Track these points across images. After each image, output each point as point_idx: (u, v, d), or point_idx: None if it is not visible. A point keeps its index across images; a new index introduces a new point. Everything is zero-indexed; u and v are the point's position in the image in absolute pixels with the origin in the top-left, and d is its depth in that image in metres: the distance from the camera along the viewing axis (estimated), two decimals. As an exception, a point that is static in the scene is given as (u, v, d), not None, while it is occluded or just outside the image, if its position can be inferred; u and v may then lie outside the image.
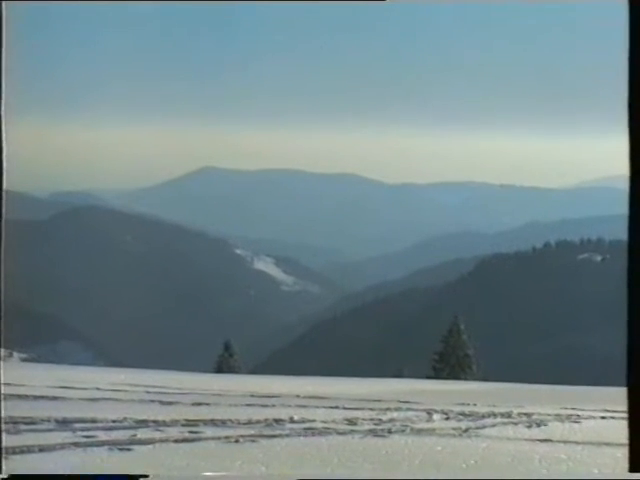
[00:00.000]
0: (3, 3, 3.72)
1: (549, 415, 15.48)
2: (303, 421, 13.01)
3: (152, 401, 16.31)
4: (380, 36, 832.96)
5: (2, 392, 14.73)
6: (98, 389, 18.96)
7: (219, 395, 18.88)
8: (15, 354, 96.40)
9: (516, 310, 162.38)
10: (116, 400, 16.34)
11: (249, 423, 12.54)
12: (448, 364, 51.22)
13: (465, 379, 47.64)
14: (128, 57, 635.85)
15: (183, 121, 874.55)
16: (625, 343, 5.24)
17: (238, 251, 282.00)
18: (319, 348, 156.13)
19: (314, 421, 13.05)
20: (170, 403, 15.99)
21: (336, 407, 16.08)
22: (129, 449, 9.78)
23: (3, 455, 8.79)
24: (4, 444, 9.17)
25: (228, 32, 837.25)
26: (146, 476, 6.82)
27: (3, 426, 10.86)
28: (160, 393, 18.68)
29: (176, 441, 10.53)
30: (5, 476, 4.96)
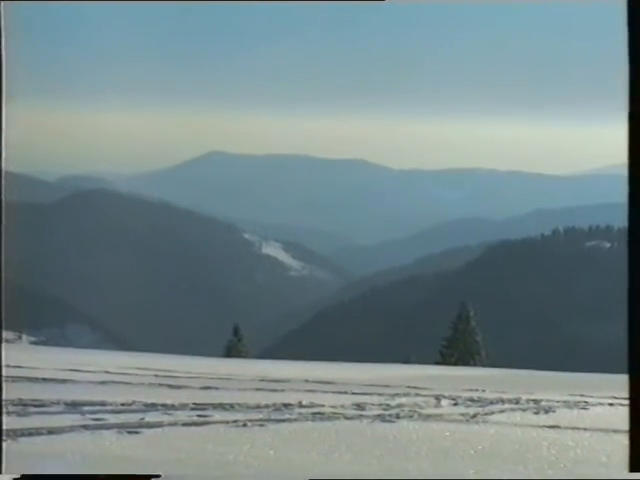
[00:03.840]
0: (2, 3, 3.75)
1: (557, 402, 15.48)
2: (311, 406, 13.03)
3: (161, 385, 16.35)
4: (387, 29, 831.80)
5: (13, 374, 14.76)
6: (107, 372, 19.01)
7: (228, 379, 18.91)
8: (24, 337, 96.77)
9: (524, 297, 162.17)
10: (125, 383, 16.38)
11: (258, 407, 12.55)
12: (457, 350, 51.23)
13: (474, 365, 47.68)
14: (135, 42, 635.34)
15: (190, 106, 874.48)
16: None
17: (246, 235, 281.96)
18: (327, 333, 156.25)
19: (322, 406, 13.06)
20: (179, 387, 16.03)
21: (344, 392, 16.10)
22: (137, 432, 9.80)
23: (11, 437, 8.84)
24: (13, 426, 9.22)
25: (237, 18, 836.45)
26: (146, 477, 6.82)
27: (13, 408, 10.92)
28: (169, 377, 18.72)
29: (185, 425, 10.54)
30: (17, 476, 4.97)
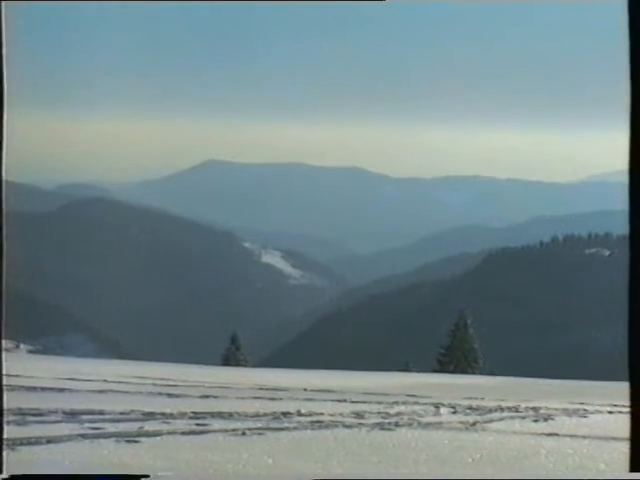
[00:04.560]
0: (3, 3, 3.70)
1: (556, 409, 15.46)
2: (310, 414, 13.01)
3: (159, 393, 16.33)
4: (385, 33, 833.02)
5: (11, 383, 14.72)
6: (105, 381, 18.98)
7: (226, 388, 18.89)
8: (22, 346, 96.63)
9: (523, 305, 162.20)
10: (123, 392, 16.36)
11: (256, 416, 12.54)
12: (455, 358, 51.21)
13: (472, 373, 47.62)
14: (132, 50, 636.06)
15: (188, 114, 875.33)
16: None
17: (246, 244, 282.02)
18: (325, 342, 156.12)
19: (321, 414, 13.04)
20: (177, 395, 16.01)
21: (343, 400, 16.08)
22: (136, 441, 9.78)
23: (9, 446, 8.81)
24: (12, 435, 9.19)
25: (233, 25, 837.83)
26: (147, 476, 6.81)
27: (11, 417, 10.89)
28: (167, 385, 18.70)
29: (183, 433, 10.53)
30: (6, 476, 4.94)
